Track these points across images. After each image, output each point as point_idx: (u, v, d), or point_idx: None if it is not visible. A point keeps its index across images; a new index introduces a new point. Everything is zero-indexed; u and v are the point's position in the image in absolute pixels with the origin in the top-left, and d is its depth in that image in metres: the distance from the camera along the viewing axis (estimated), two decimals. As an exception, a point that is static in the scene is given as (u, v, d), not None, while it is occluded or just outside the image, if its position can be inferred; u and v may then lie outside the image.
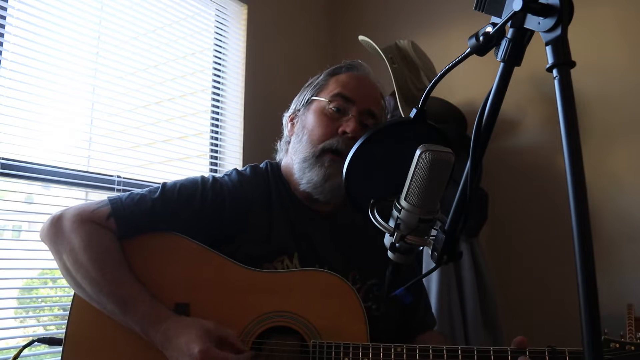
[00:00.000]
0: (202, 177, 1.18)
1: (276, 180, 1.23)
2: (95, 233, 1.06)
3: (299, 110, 1.27)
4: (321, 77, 1.26)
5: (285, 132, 1.31)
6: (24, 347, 1.10)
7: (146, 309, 1.01)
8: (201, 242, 1.10)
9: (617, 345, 0.90)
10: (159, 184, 1.16)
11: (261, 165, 1.27)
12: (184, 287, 1.08)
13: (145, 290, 1.03)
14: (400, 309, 1.24)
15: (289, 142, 1.27)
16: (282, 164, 1.28)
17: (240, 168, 1.25)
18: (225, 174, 1.22)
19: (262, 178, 1.22)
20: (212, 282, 1.08)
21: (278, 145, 1.33)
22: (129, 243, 1.09)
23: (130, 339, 1.03)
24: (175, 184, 1.15)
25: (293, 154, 1.23)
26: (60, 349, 1.05)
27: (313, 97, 1.23)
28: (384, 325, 1.16)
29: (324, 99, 1.20)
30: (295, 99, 1.31)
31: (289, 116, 1.30)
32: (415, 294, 1.28)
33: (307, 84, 1.29)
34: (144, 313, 1.00)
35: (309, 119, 1.22)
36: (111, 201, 1.10)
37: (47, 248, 1.55)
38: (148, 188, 1.15)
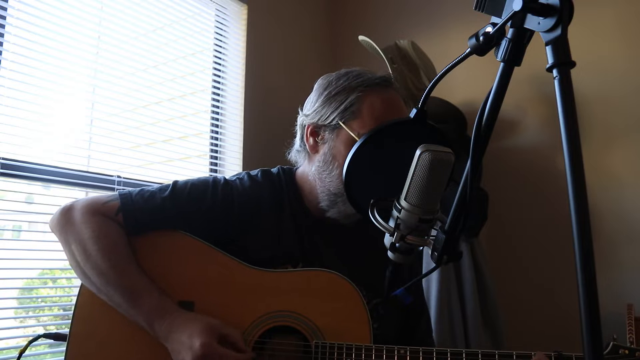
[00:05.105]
0: (214, 178, 1.17)
1: (288, 187, 1.20)
2: (105, 225, 1.06)
3: (323, 127, 1.14)
4: (352, 95, 1.11)
5: (303, 140, 1.18)
6: (30, 342, 1.11)
7: (152, 302, 1.01)
8: (208, 242, 1.11)
9: (627, 352, 0.89)
10: (159, 184, 1.16)
11: (273, 170, 1.23)
12: (188, 285, 1.08)
13: (153, 284, 1.04)
14: (400, 330, 1.23)
15: (309, 154, 1.18)
16: (299, 172, 1.22)
17: (241, 169, 1.24)
18: (237, 177, 1.20)
19: (273, 183, 1.20)
20: (216, 281, 1.08)
21: (293, 153, 1.24)
22: (136, 239, 1.09)
23: (135, 334, 1.03)
24: (186, 183, 1.15)
25: (318, 177, 1.15)
26: (64, 346, 1.05)
27: (343, 125, 1.10)
28: (384, 344, 1.14)
29: (356, 135, 1.08)
30: (317, 104, 1.15)
31: (309, 127, 1.16)
32: (417, 310, 1.27)
33: (332, 91, 1.13)
34: (150, 306, 1.01)
35: (340, 150, 1.11)
36: (121, 196, 1.11)
37: (47, 248, 1.57)
38: (159, 185, 1.15)
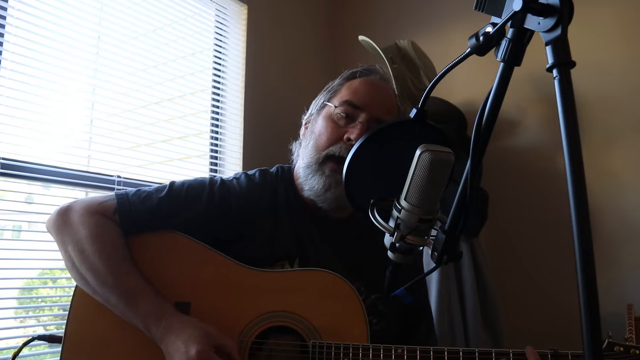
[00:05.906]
0: (211, 179, 1.18)
1: (285, 184, 1.22)
2: (102, 225, 1.06)
3: (312, 115, 1.26)
4: (337, 81, 1.24)
5: (300, 135, 1.29)
6: (25, 344, 1.11)
7: (149, 304, 1.01)
8: (205, 243, 1.10)
9: (622, 349, 0.89)
10: (159, 184, 1.16)
11: (272, 170, 1.26)
12: (185, 286, 1.08)
13: (149, 286, 1.04)
14: (400, 326, 1.23)
15: (301, 145, 1.26)
16: (295, 167, 1.26)
17: (241, 169, 1.25)
18: (234, 177, 1.21)
19: (270, 182, 1.21)
20: (213, 282, 1.08)
21: (293, 148, 1.31)
22: (133, 240, 1.09)
23: (130, 336, 1.03)
24: (183, 184, 1.15)
25: (301, 158, 1.21)
26: (60, 347, 1.05)
27: (325, 102, 1.22)
28: (382, 340, 1.14)
29: (332, 105, 1.19)
30: (313, 102, 1.29)
31: (305, 119, 1.29)
32: (419, 309, 1.27)
33: (325, 88, 1.27)
34: (147, 308, 1.00)
35: (318, 123, 1.20)
36: (118, 196, 1.10)
37: (47, 248, 1.57)
38: (156, 186, 1.15)
